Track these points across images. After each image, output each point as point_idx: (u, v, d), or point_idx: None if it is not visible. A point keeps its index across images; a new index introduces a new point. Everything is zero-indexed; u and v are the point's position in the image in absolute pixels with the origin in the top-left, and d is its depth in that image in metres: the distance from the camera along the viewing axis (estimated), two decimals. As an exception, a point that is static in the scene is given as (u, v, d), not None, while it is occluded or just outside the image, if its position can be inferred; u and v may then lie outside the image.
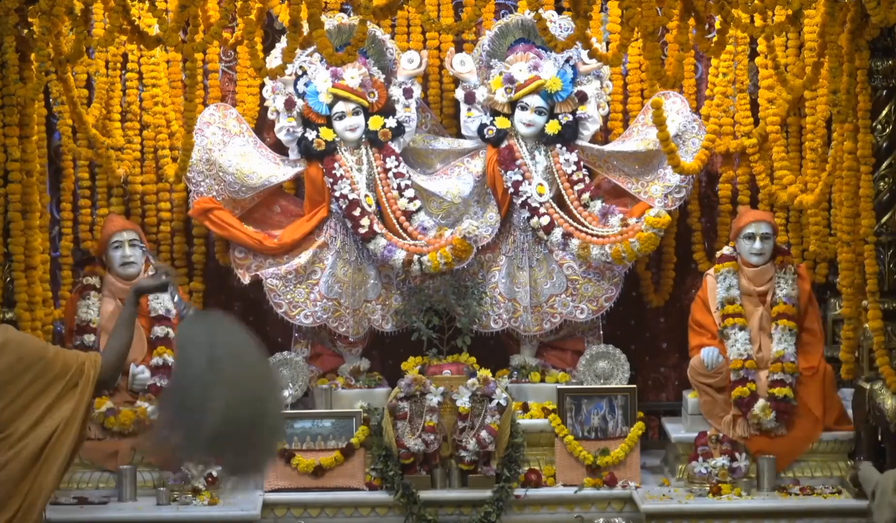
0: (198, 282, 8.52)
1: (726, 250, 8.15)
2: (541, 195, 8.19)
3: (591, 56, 7.29)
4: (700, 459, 7.71)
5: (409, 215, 8.18)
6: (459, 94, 8.36)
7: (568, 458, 7.82)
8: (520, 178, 8.18)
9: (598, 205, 8.21)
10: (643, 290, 8.67)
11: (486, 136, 8.26)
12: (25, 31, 7.15)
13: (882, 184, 7.59)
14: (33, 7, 6.90)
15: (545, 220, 8.17)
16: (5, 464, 5.37)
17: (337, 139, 8.19)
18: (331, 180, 8.13)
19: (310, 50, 8.08)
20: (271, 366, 5.93)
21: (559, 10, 8.37)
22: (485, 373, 7.87)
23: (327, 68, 8.13)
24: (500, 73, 8.27)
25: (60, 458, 5.45)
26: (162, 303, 7.96)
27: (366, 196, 8.13)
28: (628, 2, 6.98)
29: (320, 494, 7.68)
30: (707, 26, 7.44)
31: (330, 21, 8.10)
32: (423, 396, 7.73)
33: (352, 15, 8.18)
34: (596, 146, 8.35)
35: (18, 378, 5.40)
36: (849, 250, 7.60)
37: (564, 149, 8.24)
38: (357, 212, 8.10)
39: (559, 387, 8.03)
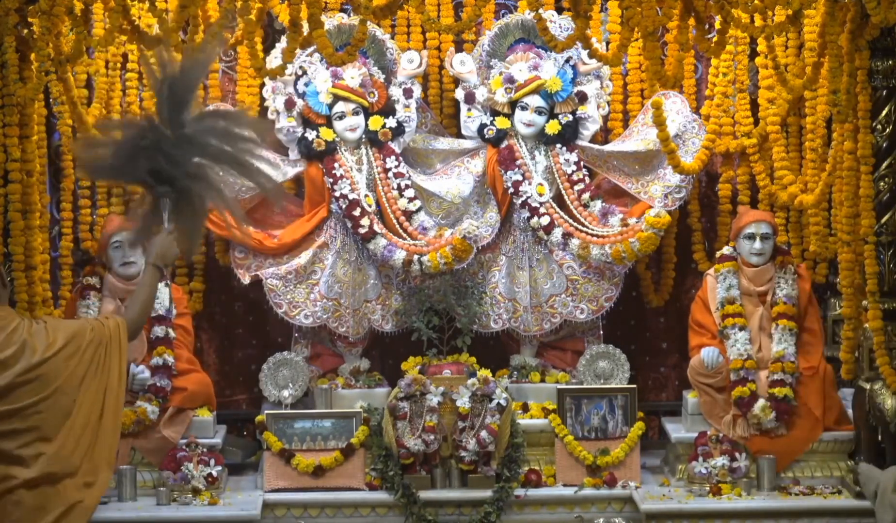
0: (198, 282, 8.52)
1: (726, 250, 8.14)
2: (541, 195, 8.18)
3: (591, 56, 7.30)
4: (700, 459, 7.70)
5: (409, 215, 8.17)
6: (459, 94, 8.35)
7: (568, 458, 7.82)
8: (520, 178, 8.18)
9: (598, 205, 8.21)
10: (643, 290, 8.67)
11: (486, 136, 8.26)
12: (25, 31, 7.15)
13: (882, 184, 7.58)
14: (33, 7, 6.90)
15: (545, 220, 8.17)
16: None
17: (337, 139, 8.19)
18: (331, 180, 8.13)
19: (310, 50, 8.07)
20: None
21: (559, 10, 8.37)
22: (485, 373, 7.87)
23: (327, 68, 8.13)
24: (500, 73, 8.27)
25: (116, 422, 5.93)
26: (162, 302, 7.95)
27: (366, 196, 8.13)
28: (628, 2, 6.99)
29: (320, 494, 7.67)
30: (707, 26, 7.45)
31: (330, 21, 8.10)
32: (423, 396, 7.72)
33: (352, 15, 8.18)
34: (596, 146, 8.35)
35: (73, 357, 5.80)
36: (849, 250, 7.60)
37: (564, 149, 8.24)
38: (357, 212, 8.10)
39: (559, 386, 8.03)
